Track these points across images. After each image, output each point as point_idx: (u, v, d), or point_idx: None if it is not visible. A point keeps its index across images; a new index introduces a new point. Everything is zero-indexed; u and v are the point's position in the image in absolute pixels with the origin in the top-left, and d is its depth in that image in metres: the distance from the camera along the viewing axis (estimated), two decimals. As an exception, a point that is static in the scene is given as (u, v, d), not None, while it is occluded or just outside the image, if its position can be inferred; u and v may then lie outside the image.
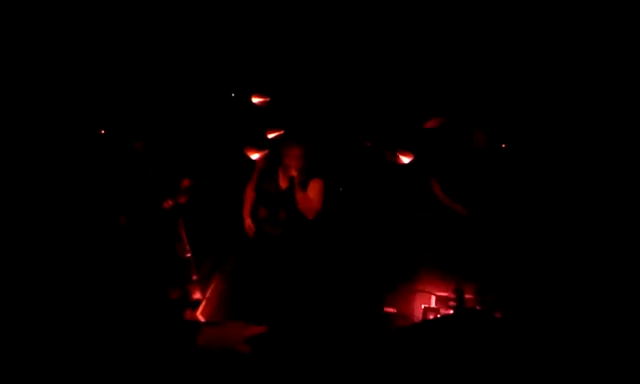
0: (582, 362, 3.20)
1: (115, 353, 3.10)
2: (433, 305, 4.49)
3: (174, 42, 6.07)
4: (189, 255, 4.25)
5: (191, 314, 4.42)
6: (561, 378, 3.07)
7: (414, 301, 4.58)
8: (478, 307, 4.38)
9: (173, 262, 4.50)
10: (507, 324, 3.85)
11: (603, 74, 5.09)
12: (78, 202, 5.17)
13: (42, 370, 3.07)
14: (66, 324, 3.39)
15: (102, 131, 5.19)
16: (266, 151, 5.48)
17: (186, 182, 4.00)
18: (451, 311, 4.34)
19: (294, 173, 3.50)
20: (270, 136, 4.99)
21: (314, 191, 3.64)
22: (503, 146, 4.38)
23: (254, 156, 5.58)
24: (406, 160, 4.98)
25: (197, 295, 4.57)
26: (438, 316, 4.22)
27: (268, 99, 5.54)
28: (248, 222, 3.87)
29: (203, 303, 4.55)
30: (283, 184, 3.65)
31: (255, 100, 5.47)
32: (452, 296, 4.51)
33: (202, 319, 4.32)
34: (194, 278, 4.54)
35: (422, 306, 4.42)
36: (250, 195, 3.88)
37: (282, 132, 4.43)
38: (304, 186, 3.59)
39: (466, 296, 4.52)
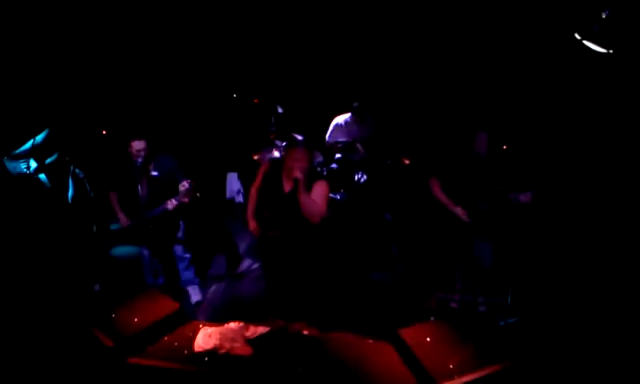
0: (583, 362, 3.20)
1: (116, 352, 3.10)
2: (433, 306, 4.48)
3: (175, 42, 6.08)
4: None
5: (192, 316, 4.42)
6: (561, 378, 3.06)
7: (414, 302, 4.58)
8: (479, 309, 4.38)
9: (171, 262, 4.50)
10: (509, 327, 3.85)
11: (603, 74, 5.09)
12: (78, 202, 5.18)
13: (42, 369, 3.07)
14: (67, 323, 3.39)
15: (104, 132, 5.21)
16: (270, 153, 5.50)
17: (187, 183, 3.98)
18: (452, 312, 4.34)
19: (298, 175, 3.46)
20: (255, 157, 5.00)
21: (318, 193, 3.61)
22: (505, 147, 4.38)
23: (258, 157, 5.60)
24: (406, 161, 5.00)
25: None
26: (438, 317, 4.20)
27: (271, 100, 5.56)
28: (253, 224, 3.84)
29: (203, 304, 4.55)
30: (287, 186, 3.62)
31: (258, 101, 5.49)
32: (455, 297, 4.52)
33: (202, 319, 4.32)
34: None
35: (423, 308, 4.41)
36: (253, 197, 3.85)
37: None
38: (309, 189, 3.55)
39: (468, 298, 4.53)
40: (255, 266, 5.05)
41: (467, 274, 4.46)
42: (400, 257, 5.24)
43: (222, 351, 3.11)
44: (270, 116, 5.65)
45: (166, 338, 3.16)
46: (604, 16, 3.38)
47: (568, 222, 5.19)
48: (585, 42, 3.48)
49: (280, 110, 5.54)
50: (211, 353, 3.09)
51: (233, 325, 3.30)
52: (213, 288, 4.79)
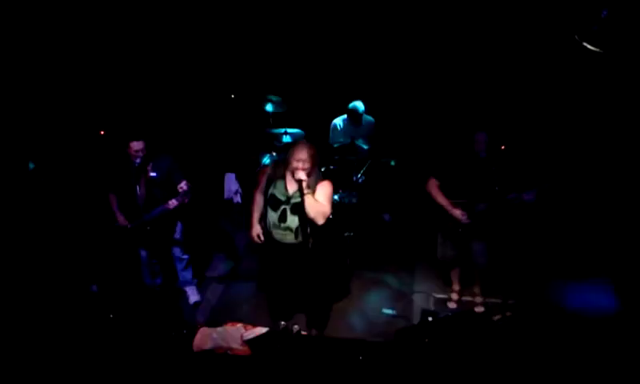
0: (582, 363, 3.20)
1: (115, 353, 3.10)
2: (431, 306, 4.48)
3: (173, 43, 6.07)
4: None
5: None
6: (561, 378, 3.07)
7: (412, 302, 4.59)
8: (477, 309, 4.38)
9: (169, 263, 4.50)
10: (507, 325, 3.85)
11: (601, 73, 5.10)
12: (79, 202, 5.18)
13: (41, 368, 3.06)
14: (66, 322, 3.38)
15: (102, 132, 5.19)
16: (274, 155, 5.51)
17: (185, 184, 3.97)
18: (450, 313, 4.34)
19: (302, 176, 3.44)
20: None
21: (323, 194, 3.59)
22: (502, 147, 4.38)
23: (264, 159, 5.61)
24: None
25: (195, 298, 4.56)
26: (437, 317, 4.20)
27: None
28: (256, 228, 3.82)
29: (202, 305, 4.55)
30: (291, 188, 3.60)
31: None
32: (453, 298, 4.52)
33: (200, 320, 4.31)
34: None
35: (421, 308, 4.41)
36: (258, 200, 3.83)
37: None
38: (313, 190, 3.54)
39: (466, 298, 4.53)
40: (253, 266, 5.04)
41: (465, 275, 4.47)
42: (399, 257, 5.24)
43: (221, 352, 3.11)
44: (267, 116, 5.65)
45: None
46: (603, 16, 3.39)
47: (567, 221, 5.20)
48: (584, 42, 3.49)
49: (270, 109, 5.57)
50: (210, 353, 3.09)
51: (231, 325, 3.30)
52: (211, 289, 4.78)
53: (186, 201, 4.01)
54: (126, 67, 5.89)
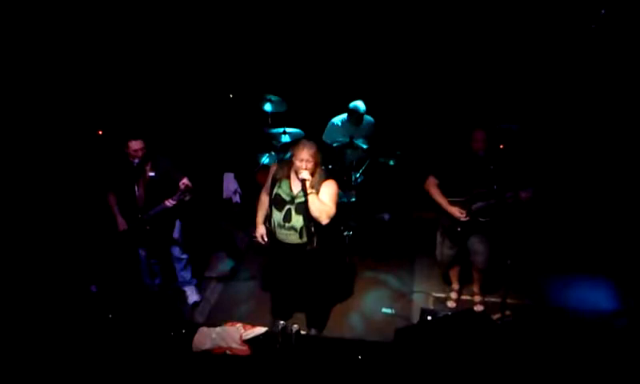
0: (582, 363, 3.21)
1: (114, 353, 3.10)
2: (430, 305, 4.48)
3: (172, 42, 6.07)
4: None
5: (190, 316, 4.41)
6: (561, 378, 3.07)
7: (411, 301, 4.58)
8: (476, 308, 4.38)
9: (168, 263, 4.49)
10: (506, 325, 3.85)
11: (602, 75, 5.11)
12: (78, 202, 5.17)
13: (41, 368, 3.06)
14: (66, 322, 3.38)
15: (100, 132, 5.19)
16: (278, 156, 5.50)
17: (185, 184, 3.97)
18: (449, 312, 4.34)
19: (305, 176, 3.44)
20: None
21: (327, 194, 3.59)
22: (501, 146, 4.38)
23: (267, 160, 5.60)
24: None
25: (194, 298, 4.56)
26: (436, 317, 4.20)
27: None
28: (261, 229, 3.82)
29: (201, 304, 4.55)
30: (296, 187, 3.59)
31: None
32: (452, 297, 4.52)
33: (199, 320, 4.31)
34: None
35: (420, 307, 4.41)
36: (263, 200, 3.82)
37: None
38: (317, 189, 3.53)
39: (465, 297, 4.53)
40: (252, 266, 5.04)
41: (464, 274, 4.47)
42: (399, 257, 5.23)
43: (220, 352, 3.11)
44: (266, 116, 5.65)
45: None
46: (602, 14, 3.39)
47: (566, 219, 5.21)
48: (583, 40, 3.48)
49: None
50: (209, 353, 3.09)
51: (230, 325, 3.30)
52: (210, 288, 4.78)
53: (187, 198, 4.00)
54: (124, 67, 5.89)
